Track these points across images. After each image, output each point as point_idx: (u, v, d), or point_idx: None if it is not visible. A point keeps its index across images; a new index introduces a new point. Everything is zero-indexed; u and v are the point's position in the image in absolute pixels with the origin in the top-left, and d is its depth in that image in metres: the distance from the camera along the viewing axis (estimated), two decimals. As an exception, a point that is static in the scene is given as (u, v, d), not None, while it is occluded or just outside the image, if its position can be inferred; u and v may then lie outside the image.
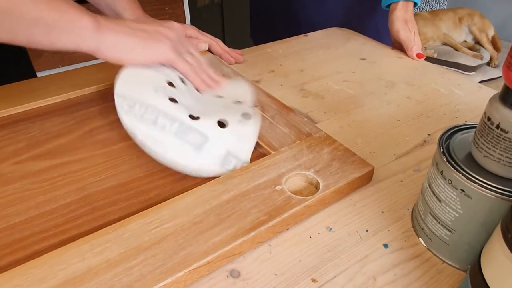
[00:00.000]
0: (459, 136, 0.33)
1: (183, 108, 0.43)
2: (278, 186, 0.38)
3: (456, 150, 0.31)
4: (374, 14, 0.90)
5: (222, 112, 0.45)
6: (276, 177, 0.39)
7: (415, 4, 0.73)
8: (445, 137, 0.32)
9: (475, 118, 0.53)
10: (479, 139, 0.29)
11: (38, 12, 0.38)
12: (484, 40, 2.01)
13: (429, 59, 1.80)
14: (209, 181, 0.38)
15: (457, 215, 0.31)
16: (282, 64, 0.67)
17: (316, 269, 0.33)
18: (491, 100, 0.28)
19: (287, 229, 0.36)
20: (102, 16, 0.44)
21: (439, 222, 0.32)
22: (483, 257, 0.26)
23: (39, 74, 0.71)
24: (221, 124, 0.43)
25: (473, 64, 1.89)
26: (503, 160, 0.28)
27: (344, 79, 0.63)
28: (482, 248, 0.27)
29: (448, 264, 0.33)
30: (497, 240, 0.24)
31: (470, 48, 2.02)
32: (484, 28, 2.02)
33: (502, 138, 0.27)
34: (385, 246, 0.35)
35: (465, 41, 2.09)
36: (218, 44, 0.67)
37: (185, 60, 0.49)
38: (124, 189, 0.40)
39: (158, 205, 0.36)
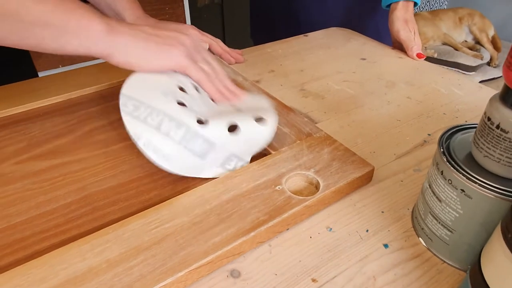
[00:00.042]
0: (459, 136, 0.33)
1: (191, 112, 0.41)
2: (278, 186, 0.38)
3: (456, 150, 0.31)
4: (374, 14, 0.90)
5: (234, 115, 0.43)
6: (276, 177, 0.39)
7: (415, 4, 0.73)
8: (445, 137, 0.32)
9: (475, 118, 0.53)
10: (479, 139, 0.29)
11: (46, 14, 0.37)
12: (484, 40, 2.01)
13: (429, 59, 1.80)
14: (209, 181, 0.38)
15: (457, 215, 0.31)
16: (282, 64, 0.68)
17: (316, 269, 0.33)
18: (491, 100, 0.28)
19: (287, 229, 0.36)
20: (113, 18, 0.42)
21: (439, 222, 0.32)
22: (483, 257, 0.26)
23: (39, 74, 0.71)
24: (232, 127, 0.41)
25: (473, 64, 1.89)
26: (503, 160, 0.28)
27: (344, 79, 0.63)
28: (482, 248, 0.27)
29: (448, 264, 0.33)
30: (497, 240, 0.24)
31: (470, 48, 2.02)
32: (484, 28, 2.02)
33: (502, 138, 0.27)
34: (385, 246, 0.35)
35: (465, 41, 2.09)
36: (218, 44, 0.67)
37: (200, 67, 0.46)
38: (124, 189, 0.40)
39: (158, 205, 0.36)
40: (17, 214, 0.37)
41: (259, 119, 0.43)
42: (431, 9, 2.52)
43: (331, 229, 0.36)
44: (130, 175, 0.42)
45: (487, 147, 0.28)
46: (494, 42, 2.04)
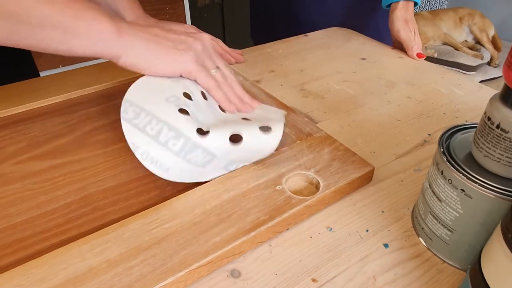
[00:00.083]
0: (459, 136, 0.33)
1: (192, 122, 0.40)
2: (279, 186, 0.38)
3: (457, 150, 0.31)
4: (375, 14, 0.90)
5: (239, 125, 0.41)
6: (276, 177, 0.39)
7: (415, 3, 0.73)
8: (445, 137, 0.32)
9: (475, 118, 0.53)
10: (479, 139, 0.29)
11: (54, 16, 0.36)
12: (485, 40, 2.01)
13: (429, 58, 1.80)
14: (209, 181, 0.38)
15: (457, 215, 0.31)
16: (282, 64, 0.68)
17: (317, 269, 0.33)
18: (491, 100, 0.28)
19: (288, 229, 0.36)
20: (121, 19, 0.41)
21: (439, 222, 0.32)
22: (483, 257, 0.26)
23: (40, 74, 0.71)
24: (236, 137, 0.40)
25: (474, 64, 1.89)
26: (503, 160, 0.28)
27: (344, 79, 0.63)
28: (482, 248, 0.27)
29: (448, 264, 0.33)
30: (497, 240, 0.24)
31: (471, 48, 2.02)
32: (484, 28, 2.02)
33: (502, 138, 0.27)
34: (385, 246, 0.35)
35: (466, 40, 2.09)
36: (218, 44, 0.67)
37: (210, 74, 0.45)
38: (124, 189, 0.40)
39: (158, 205, 0.36)
40: (17, 214, 0.37)
41: (264, 128, 0.41)
42: (431, 9, 2.52)
43: (331, 229, 0.36)
44: (130, 175, 0.42)
45: (487, 147, 0.28)
46: (494, 42, 2.04)
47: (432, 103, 0.56)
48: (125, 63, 0.41)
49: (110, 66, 0.60)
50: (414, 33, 0.71)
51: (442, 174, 0.31)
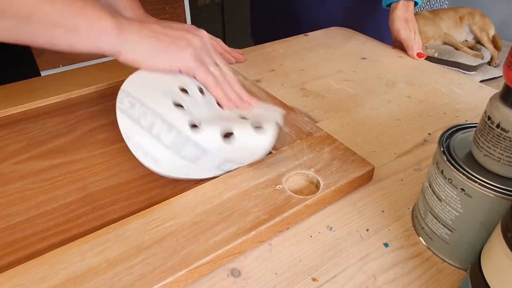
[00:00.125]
0: (459, 135, 0.33)
1: (186, 115, 0.40)
2: (279, 185, 0.38)
3: (457, 149, 0.31)
4: (375, 14, 0.90)
5: (233, 122, 0.41)
6: (276, 176, 0.39)
7: (415, 3, 0.73)
8: (445, 136, 0.32)
9: (475, 117, 0.53)
10: (479, 138, 0.29)
11: (56, 14, 0.37)
12: (485, 40, 2.00)
13: (429, 58, 1.80)
14: (210, 180, 0.38)
15: (457, 214, 0.31)
16: (283, 64, 0.67)
17: (317, 268, 0.33)
18: (491, 99, 0.28)
19: (288, 228, 0.36)
20: (122, 16, 0.42)
21: (439, 221, 0.32)
22: (483, 256, 0.26)
23: (41, 74, 0.71)
24: (228, 134, 0.40)
25: (474, 64, 1.89)
26: (503, 160, 0.28)
27: (344, 78, 0.63)
28: (482, 247, 0.27)
29: (448, 263, 0.33)
30: (497, 239, 0.24)
31: (471, 48, 2.02)
32: (484, 27, 2.02)
33: (503, 138, 0.27)
34: (386, 245, 0.35)
35: (466, 40, 2.09)
36: (218, 44, 0.67)
37: (208, 70, 0.45)
38: (124, 188, 0.40)
39: (159, 204, 0.36)
40: (17, 214, 0.37)
41: (257, 127, 0.41)
42: (432, 9, 2.52)
43: (331, 228, 0.36)
44: (130, 174, 0.42)
45: (487, 146, 0.28)
46: (494, 42, 2.03)
47: (432, 103, 0.56)
48: (126, 59, 0.42)
49: (109, 66, 0.60)
50: (414, 32, 0.71)
51: (442, 173, 0.31)
